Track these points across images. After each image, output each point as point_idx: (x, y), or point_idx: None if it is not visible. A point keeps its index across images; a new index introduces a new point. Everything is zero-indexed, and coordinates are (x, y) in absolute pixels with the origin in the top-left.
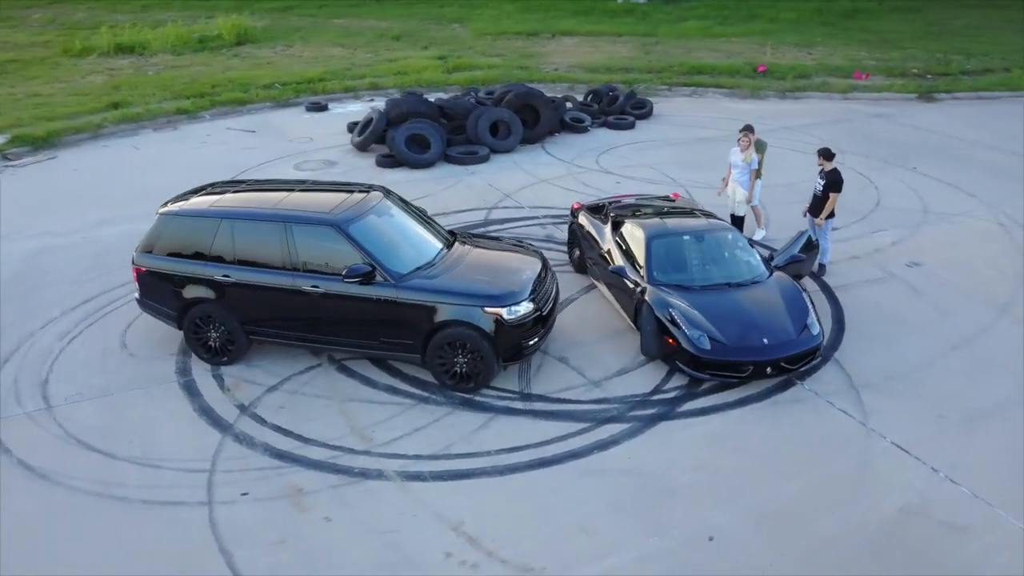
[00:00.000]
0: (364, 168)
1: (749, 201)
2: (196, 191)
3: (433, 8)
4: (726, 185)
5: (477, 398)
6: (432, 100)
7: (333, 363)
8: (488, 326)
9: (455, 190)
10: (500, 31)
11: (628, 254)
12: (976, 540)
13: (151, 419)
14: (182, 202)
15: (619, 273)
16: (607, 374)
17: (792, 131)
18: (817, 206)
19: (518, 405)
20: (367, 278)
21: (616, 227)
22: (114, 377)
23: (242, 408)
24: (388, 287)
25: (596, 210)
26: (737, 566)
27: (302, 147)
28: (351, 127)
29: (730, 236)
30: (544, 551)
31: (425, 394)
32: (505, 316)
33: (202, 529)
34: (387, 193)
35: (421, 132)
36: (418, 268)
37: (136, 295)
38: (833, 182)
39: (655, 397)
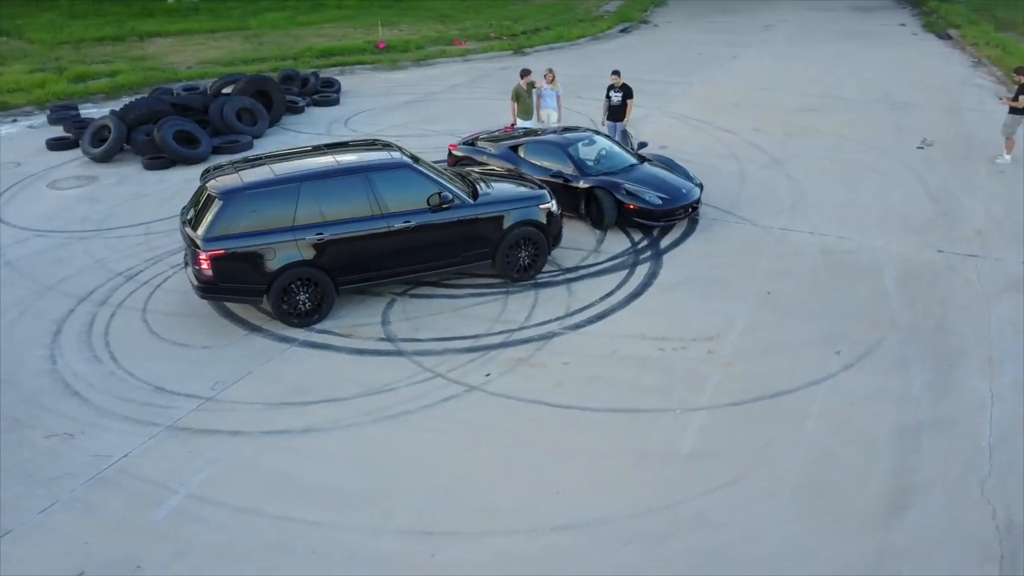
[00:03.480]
0: (130, 173)
1: (560, 120)
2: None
3: None
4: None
5: (539, 280)
6: (164, 98)
7: (402, 294)
8: (543, 219)
9: None
10: (77, 39)
11: (538, 167)
12: (864, 255)
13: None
14: (226, 176)
15: (558, 176)
16: (594, 247)
17: (460, 88)
18: (616, 113)
19: (560, 278)
20: (450, 203)
21: (515, 149)
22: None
23: (390, 340)
24: (467, 208)
25: (471, 144)
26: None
27: (21, 171)
28: (53, 144)
29: (601, 138)
30: (669, 326)
31: (504, 289)
32: (553, 209)
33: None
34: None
35: (185, 128)
36: (472, 190)
37: (198, 285)
38: (629, 92)
39: (639, 247)
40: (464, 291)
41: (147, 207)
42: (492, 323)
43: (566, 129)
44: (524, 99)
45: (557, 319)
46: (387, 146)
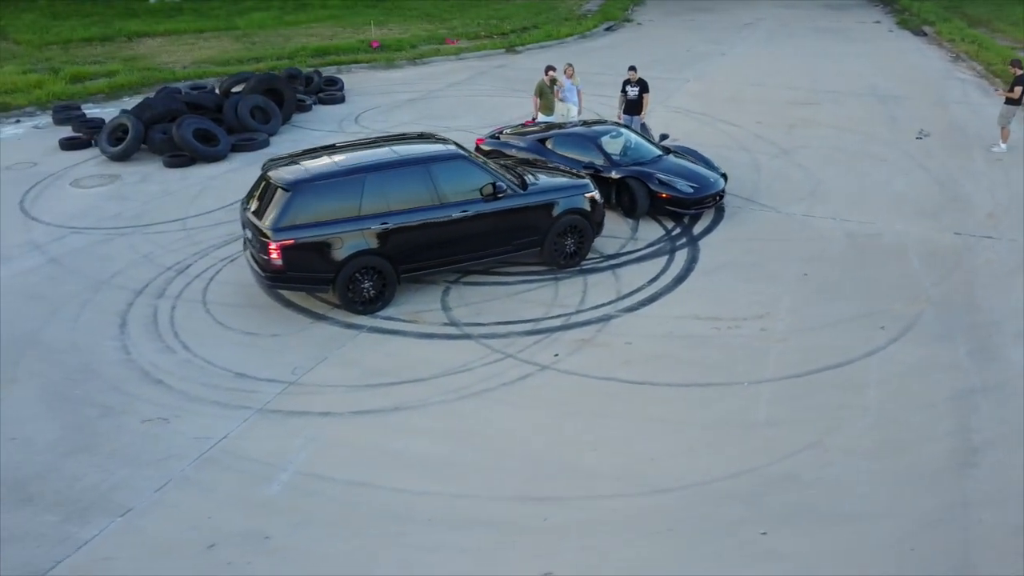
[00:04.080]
0: (152, 171)
1: (580, 113)
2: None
3: None
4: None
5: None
6: (177, 96)
7: (455, 282)
8: (588, 207)
9: None
10: (64, 39)
11: (568, 159)
12: (887, 238)
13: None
14: (290, 167)
15: (590, 167)
16: (629, 235)
17: (460, 85)
18: (633, 107)
19: (604, 264)
20: (504, 193)
21: (543, 142)
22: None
23: (455, 324)
24: (519, 197)
25: (496, 138)
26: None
27: (39, 171)
28: (66, 144)
29: (626, 130)
30: (719, 306)
31: (552, 275)
32: (597, 197)
33: (570, 376)
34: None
35: (203, 126)
36: (522, 180)
37: (265, 275)
38: (645, 86)
39: (674, 235)
40: (514, 278)
41: (177, 204)
42: (549, 307)
43: (586, 122)
44: (547, 95)
45: (611, 302)
46: (441, 139)
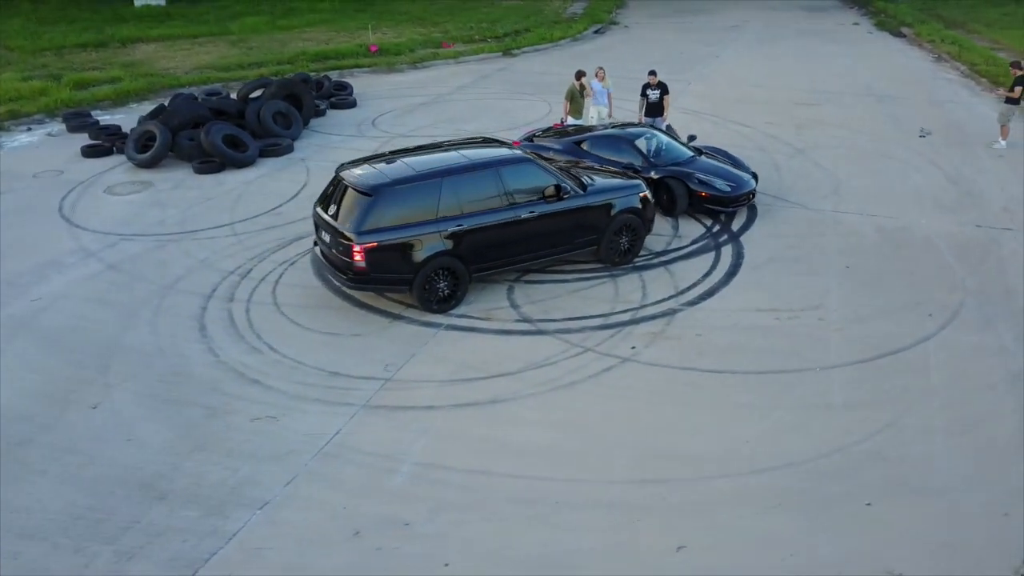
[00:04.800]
0: (183, 177)
1: (610, 116)
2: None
3: None
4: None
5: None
6: (200, 103)
7: (516, 281)
8: (640, 206)
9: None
10: (58, 45)
11: (605, 160)
12: (915, 231)
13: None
14: (368, 171)
15: (629, 168)
16: (672, 233)
17: (467, 89)
18: (654, 109)
19: (655, 261)
20: (567, 194)
21: (579, 144)
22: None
23: (528, 320)
24: (580, 197)
25: (530, 140)
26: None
27: (68, 178)
28: (88, 151)
29: (658, 132)
30: (774, 298)
31: (607, 272)
32: (649, 196)
33: (652, 368)
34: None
35: (231, 132)
36: (580, 181)
37: (347, 276)
38: (665, 88)
39: (715, 232)
40: (572, 276)
41: (220, 209)
42: (613, 303)
43: (616, 125)
44: (577, 99)
45: (671, 297)
46: (503, 143)
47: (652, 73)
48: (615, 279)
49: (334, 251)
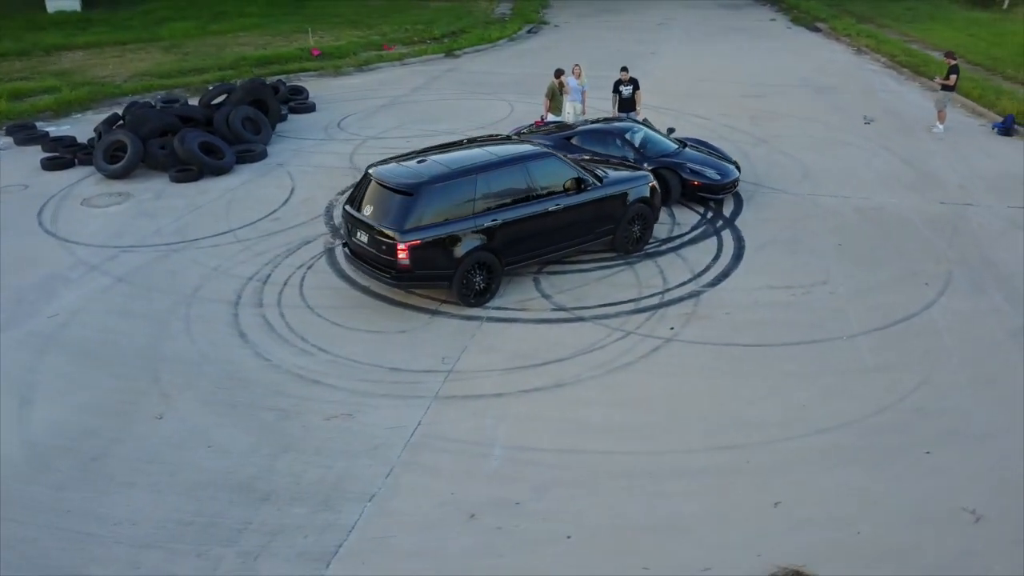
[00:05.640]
0: (161, 187)
1: (584, 113)
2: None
3: None
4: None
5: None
6: (167, 109)
7: (538, 273)
8: (649, 196)
9: (309, 177)
10: None
11: (597, 154)
12: (889, 210)
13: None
14: (404, 170)
15: (623, 160)
16: (670, 221)
17: (423, 90)
18: (627, 105)
19: (664, 248)
20: (589, 186)
21: (568, 140)
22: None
23: (564, 309)
24: (600, 188)
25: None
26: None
27: (37, 192)
28: (48, 164)
29: (641, 126)
30: (783, 277)
31: (623, 261)
32: (656, 186)
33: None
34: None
35: (207, 139)
36: (595, 173)
37: (391, 274)
38: (636, 84)
39: (710, 219)
40: (592, 266)
41: (213, 217)
42: (639, 288)
43: (600, 120)
44: (557, 96)
45: (691, 280)
46: (520, 139)
47: (624, 69)
48: (632, 266)
49: (374, 250)
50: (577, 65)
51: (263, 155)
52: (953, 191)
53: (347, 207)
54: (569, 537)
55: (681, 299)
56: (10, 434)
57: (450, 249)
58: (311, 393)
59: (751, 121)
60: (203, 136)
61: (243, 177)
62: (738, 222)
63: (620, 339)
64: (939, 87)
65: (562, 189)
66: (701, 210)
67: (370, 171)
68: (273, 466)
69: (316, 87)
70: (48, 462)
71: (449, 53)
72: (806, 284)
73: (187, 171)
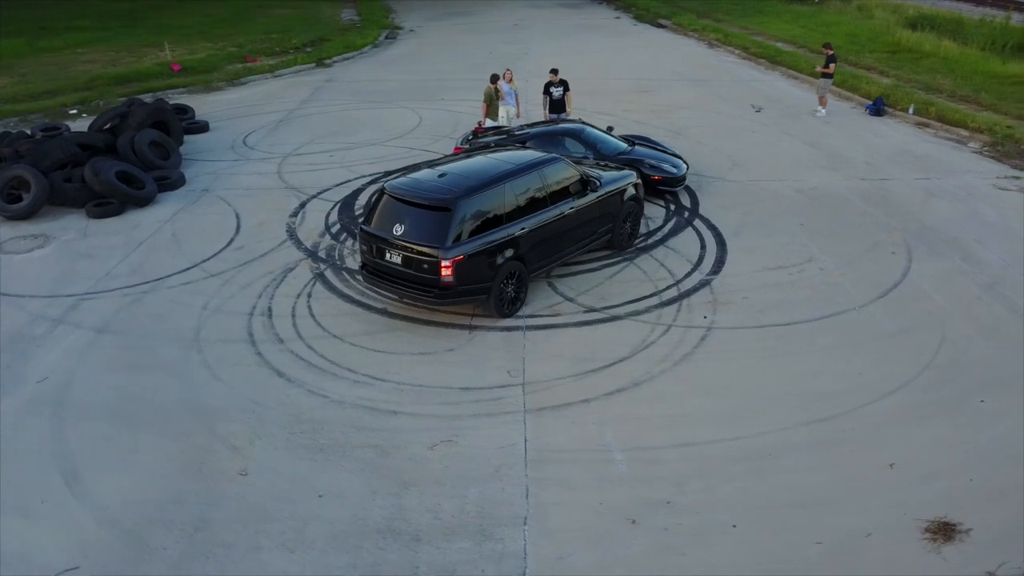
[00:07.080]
0: (83, 224)
1: (519, 116)
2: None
3: None
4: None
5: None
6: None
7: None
8: (636, 192)
9: (248, 201)
10: None
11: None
12: (824, 189)
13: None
14: (429, 185)
15: (583, 159)
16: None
17: (313, 102)
18: (558, 106)
19: (651, 242)
20: (595, 186)
21: (523, 143)
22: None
23: (595, 309)
24: (602, 188)
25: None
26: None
27: None
28: None
29: (587, 125)
30: (772, 258)
31: (621, 257)
32: (641, 184)
33: (735, 331)
34: None
35: (123, 168)
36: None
37: (434, 293)
38: (567, 85)
39: (676, 210)
40: (594, 265)
41: (165, 252)
42: (653, 282)
43: (544, 122)
44: (494, 101)
45: (694, 270)
46: (523, 145)
47: (554, 71)
48: (632, 262)
49: (411, 270)
50: (508, 70)
51: (181, 181)
52: (864, 168)
53: (365, 227)
54: (735, 526)
55: (695, 289)
56: (76, 515)
57: (488, 261)
58: (396, 424)
59: (653, 114)
60: (118, 165)
61: (172, 207)
62: (702, 211)
63: (665, 333)
64: (820, 75)
65: (570, 192)
66: (662, 203)
67: (389, 189)
68: (402, 504)
69: (195, 104)
70: (146, 540)
71: (320, 63)
72: (796, 263)
73: (106, 204)
